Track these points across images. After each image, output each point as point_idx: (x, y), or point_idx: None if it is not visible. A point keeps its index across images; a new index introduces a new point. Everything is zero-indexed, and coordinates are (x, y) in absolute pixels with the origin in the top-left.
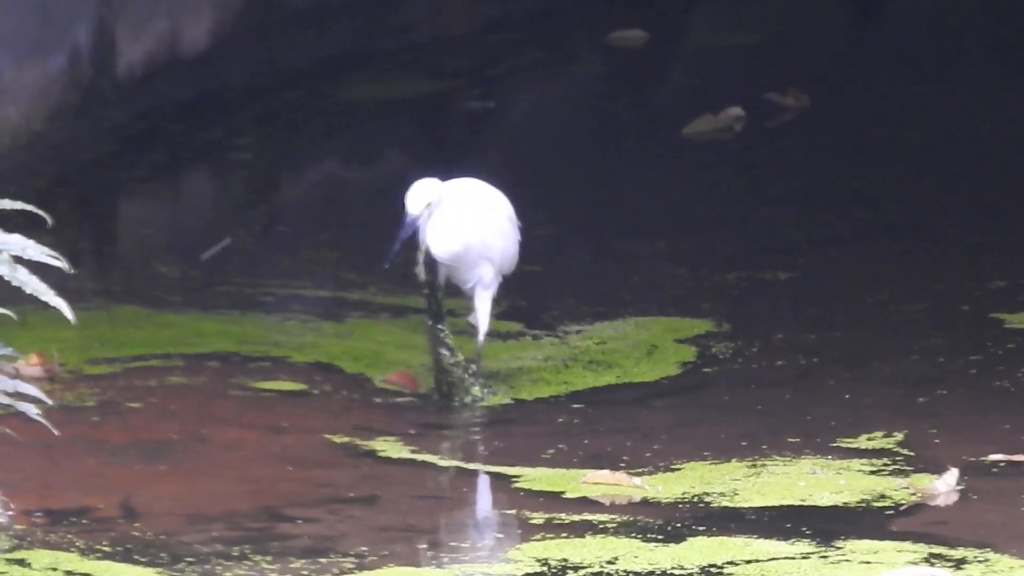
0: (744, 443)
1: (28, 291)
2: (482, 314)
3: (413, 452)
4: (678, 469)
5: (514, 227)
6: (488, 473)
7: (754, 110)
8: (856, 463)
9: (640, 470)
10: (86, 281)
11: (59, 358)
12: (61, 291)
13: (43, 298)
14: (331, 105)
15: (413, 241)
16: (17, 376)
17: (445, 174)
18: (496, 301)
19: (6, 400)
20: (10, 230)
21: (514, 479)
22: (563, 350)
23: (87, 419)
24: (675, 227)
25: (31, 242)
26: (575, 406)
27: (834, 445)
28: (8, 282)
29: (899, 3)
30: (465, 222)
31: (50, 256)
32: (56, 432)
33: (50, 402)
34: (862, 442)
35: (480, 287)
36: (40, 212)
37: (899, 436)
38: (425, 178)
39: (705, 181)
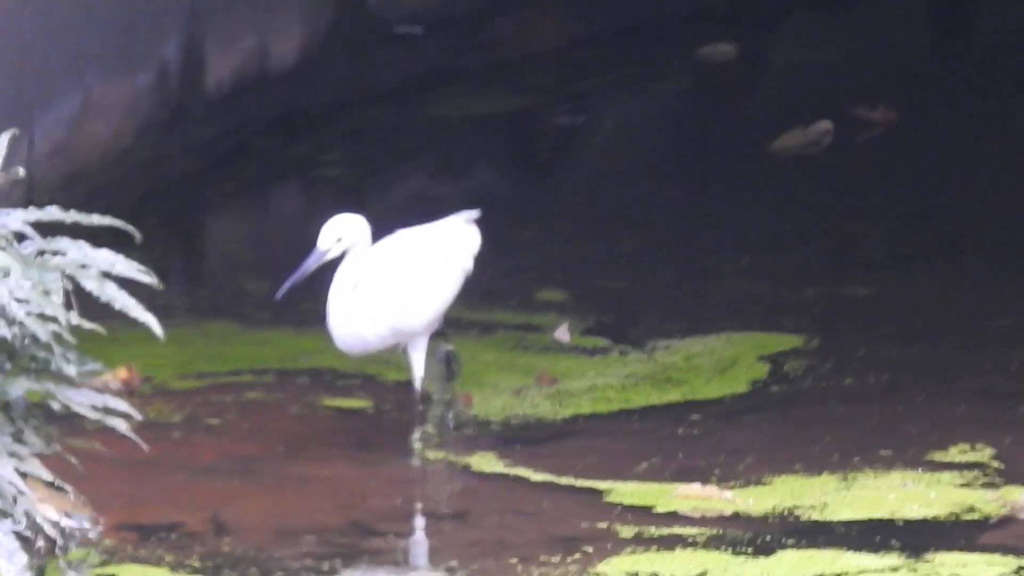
0: (836, 457)
1: (117, 307)
2: (416, 364)
3: (506, 467)
4: (768, 483)
5: (457, 272)
6: (579, 488)
7: (842, 125)
8: (946, 476)
9: (731, 484)
10: (175, 297)
11: (138, 373)
12: (150, 307)
13: (132, 314)
14: (419, 121)
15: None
16: (106, 391)
17: (533, 189)
18: (583, 316)
19: (95, 415)
20: (99, 246)
21: (605, 493)
22: (649, 366)
23: (176, 435)
24: (760, 243)
25: (120, 257)
26: (665, 421)
27: (924, 459)
28: (97, 298)
29: (987, 19)
30: (367, 312)
31: (139, 271)
32: (145, 447)
33: (139, 416)
34: (952, 455)
35: (411, 347)
36: (129, 228)
37: (989, 450)
38: (347, 213)
39: (791, 196)
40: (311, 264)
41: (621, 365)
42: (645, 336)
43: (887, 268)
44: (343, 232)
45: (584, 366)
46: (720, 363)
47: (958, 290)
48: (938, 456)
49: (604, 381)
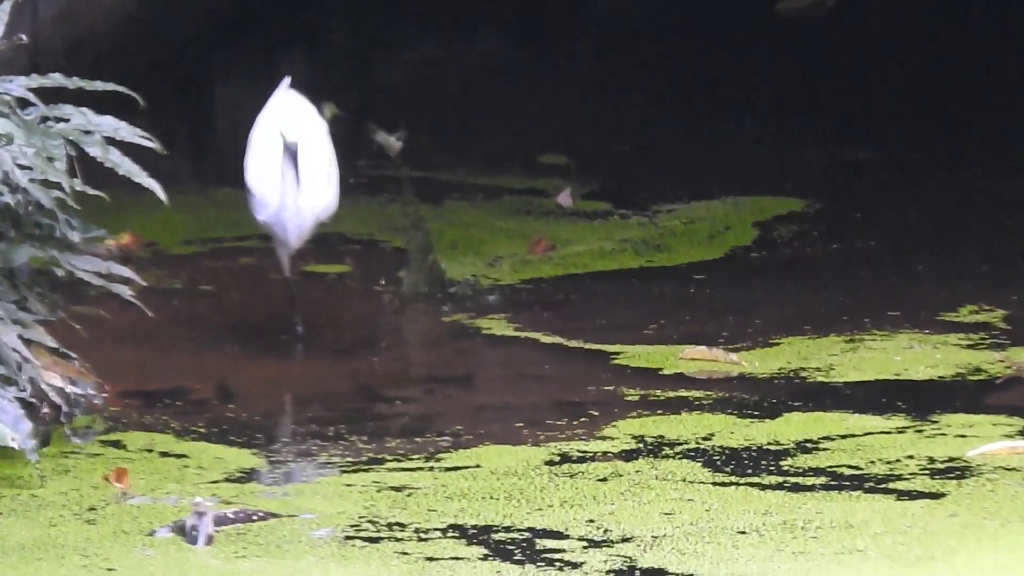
0: (844, 318)
1: (121, 172)
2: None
3: (516, 330)
4: (776, 344)
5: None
6: (588, 351)
7: None
8: (953, 337)
9: (738, 346)
10: (179, 164)
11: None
12: (154, 173)
13: (136, 180)
14: None
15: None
16: (112, 257)
17: (539, 54)
18: (586, 181)
19: (99, 282)
20: (104, 112)
21: (613, 356)
22: (650, 230)
23: (181, 301)
24: (764, 105)
25: (124, 123)
26: (671, 283)
27: (932, 319)
28: (101, 164)
29: None
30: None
31: (143, 138)
32: (150, 314)
33: (143, 283)
34: (960, 316)
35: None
36: (133, 94)
37: (997, 311)
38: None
39: (797, 59)
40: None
41: (622, 229)
42: (647, 200)
43: (892, 131)
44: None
45: (585, 230)
46: (722, 226)
47: (965, 153)
48: (946, 317)
49: (604, 245)
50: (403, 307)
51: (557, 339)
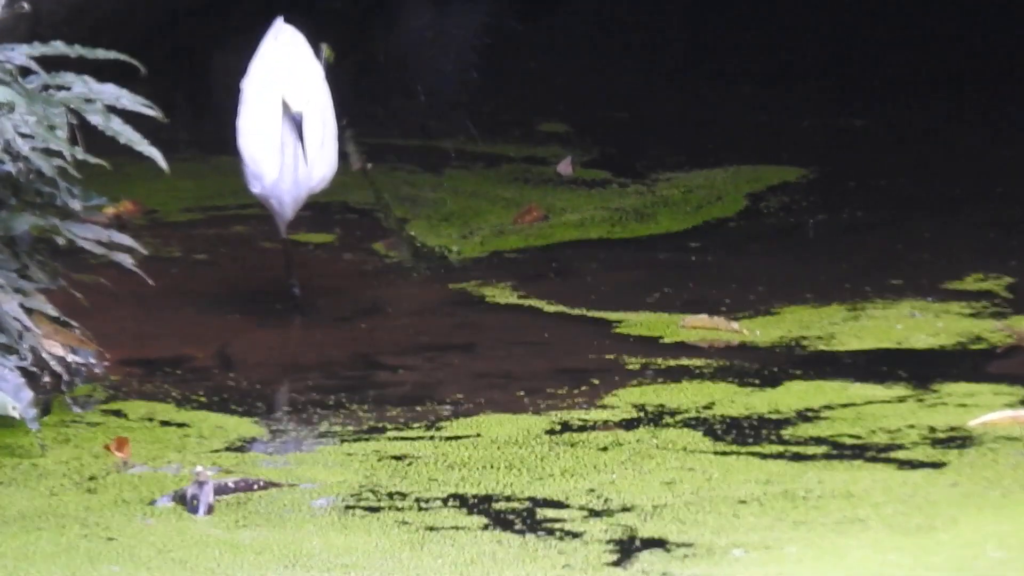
0: (846, 286)
1: (122, 141)
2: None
3: (520, 298)
4: (777, 313)
5: None
6: (590, 318)
7: None
8: (955, 306)
9: (740, 314)
10: (180, 131)
11: (143, 207)
12: (155, 141)
13: (137, 148)
14: None
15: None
16: (112, 225)
17: (539, 20)
18: (586, 149)
19: (100, 250)
20: (104, 80)
21: (615, 324)
22: (648, 198)
23: (181, 269)
24: (763, 74)
25: (125, 92)
26: (672, 251)
27: (934, 287)
28: (102, 132)
29: None
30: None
31: (144, 106)
32: (151, 282)
33: (144, 251)
34: (963, 284)
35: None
36: (134, 62)
37: (998, 279)
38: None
39: (796, 27)
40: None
41: (618, 197)
42: (646, 169)
43: (891, 99)
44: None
45: (582, 199)
46: (721, 194)
47: (964, 120)
48: (949, 285)
49: (596, 214)
50: (398, 275)
51: (559, 307)
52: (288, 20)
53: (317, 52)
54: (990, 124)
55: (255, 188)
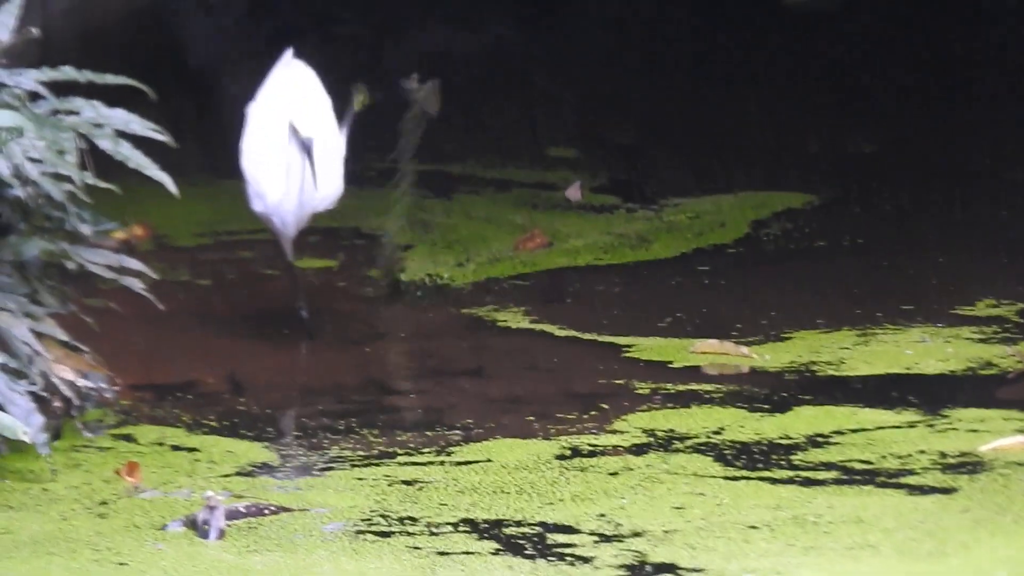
0: (858, 311)
1: (132, 165)
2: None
3: (532, 322)
4: (788, 338)
5: None
6: (601, 343)
7: None
8: (965, 331)
9: (750, 339)
10: (190, 156)
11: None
12: (164, 166)
13: (146, 172)
14: None
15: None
16: (120, 250)
17: (547, 42)
18: (595, 173)
19: (110, 274)
20: (114, 105)
21: (625, 348)
22: (655, 223)
23: (190, 293)
24: (772, 96)
25: (135, 116)
26: (682, 276)
27: (944, 312)
28: (112, 157)
29: None
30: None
31: (154, 130)
32: (161, 306)
33: (154, 276)
34: (973, 310)
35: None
36: (143, 87)
37: (1009, 304)
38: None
39: (804, 50)
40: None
41: (625, 223)
42: (655, 194)
43: (900, 123)
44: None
45: (587, 224)
46: (731, 219)
47: (975, 143)
48: (959, 310)
49: (600, 239)
50: (406, 300)
51: (569, 331)
52: (299, 47)
53: (351, 93)
54: (999, 148)
55: (257, 207)
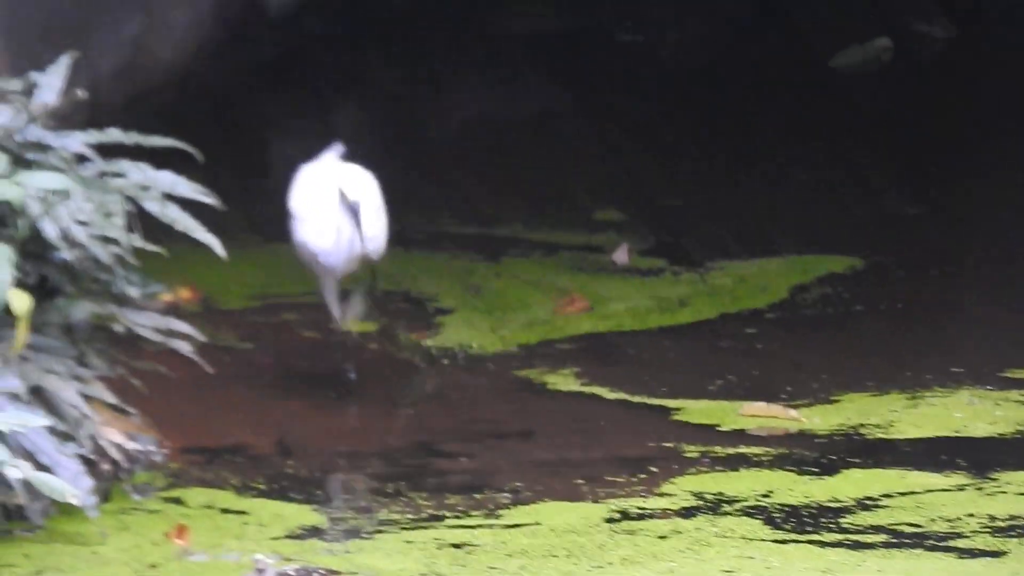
0: (907, 373)
1: (179, 228)
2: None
3: (583, 385)
4: (837, 400)
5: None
6: (650, 406)
7: (902, 41)
8: (1014, 394)
9: (800, 402)
10: (236, 216)
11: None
12: (211, 227)
13: (194, 235)
14: (479, 35)
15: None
16: (168, 312)
17: (593, 106)
18: (642, 237)
19: (158, 337)
20: (161, 167)
21: (674, 411)
22: (699, 287)
23: (238, 356)
24: (819, 160)
25: (181, 179)
26: (730, 339)
27: (993, 375)
28: (159, 219)
29: None
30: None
31: (200, 192)
32: (209, 369)
33: (202, 338)
34: (1021, 372)
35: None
36: (190, 149)
37: None
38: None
39: (850, 113)
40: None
41: (668, 286)
42: (702, 257)
43: (944, 184)
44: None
45: (629, 288)
46: (768, 284)
47: (1020, 205)
48: (1009, 373)
49: (641, 303)
50: (452, 362)
51: (619, 394)
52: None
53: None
54: None
55: (306, 254)
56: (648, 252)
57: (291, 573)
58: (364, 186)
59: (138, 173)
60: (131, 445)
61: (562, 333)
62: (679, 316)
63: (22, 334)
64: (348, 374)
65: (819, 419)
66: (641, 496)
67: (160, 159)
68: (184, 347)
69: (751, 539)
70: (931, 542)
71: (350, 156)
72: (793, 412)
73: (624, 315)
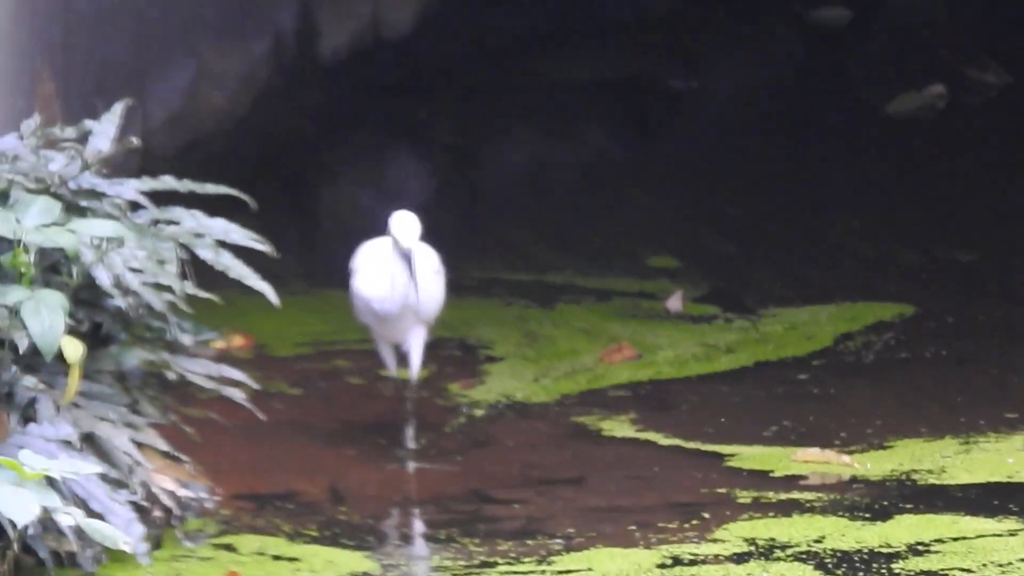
0: (961, 419)
1: (232, 275)
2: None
3: (638, 431)
4: (890, 446)
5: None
6: (702, 452)
7: (956, 87)
8: None
9: (852, 447)
10: (289, 263)
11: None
12: (265, 275)
13: (247, 282)
14: (532, 83)
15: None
16: (221, 360)
17: (645, 153)
18: (695, 283)
19: (210, 384)
20: (215, 214)
21: (727, 457)
22: (751, 334)
23: (291, 403)
24: (873, 206)
25: (235, 226)
26: (782, 385)
27: None
28: (212, 266)
29: None
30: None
31: (254, 240)
32: (261, 416)
33: (255, 386)
34: None
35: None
36: (244, 196)
37: None
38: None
39: (905, 160)
40: (412, 263)
41: (719, 332)
42: (756, 304)
43: (995, 232)
44: (413, 228)
45: (685, 334)
46: (823, 330)
47: None
48: None
49: (695, 351)
50: (503, 409)
51: (673, 440)
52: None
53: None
54: None
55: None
56: (701, 299)
57: None
58: (423, 254)
59: (191, 220)
60: (183, 492)
61: (606, 382)
62: (726, 362)
63: (74, 381)
64: (408, 443)
65: (872, 465)
66: (693, 542)
67: (213, 206)
68: (237, 394)
69: None
70: None
71: (407, 206)
72: (846, 458)
73: (669, 363)
